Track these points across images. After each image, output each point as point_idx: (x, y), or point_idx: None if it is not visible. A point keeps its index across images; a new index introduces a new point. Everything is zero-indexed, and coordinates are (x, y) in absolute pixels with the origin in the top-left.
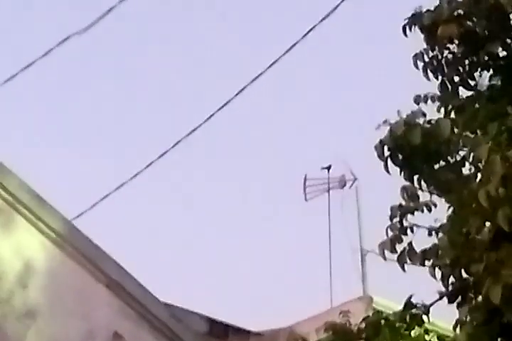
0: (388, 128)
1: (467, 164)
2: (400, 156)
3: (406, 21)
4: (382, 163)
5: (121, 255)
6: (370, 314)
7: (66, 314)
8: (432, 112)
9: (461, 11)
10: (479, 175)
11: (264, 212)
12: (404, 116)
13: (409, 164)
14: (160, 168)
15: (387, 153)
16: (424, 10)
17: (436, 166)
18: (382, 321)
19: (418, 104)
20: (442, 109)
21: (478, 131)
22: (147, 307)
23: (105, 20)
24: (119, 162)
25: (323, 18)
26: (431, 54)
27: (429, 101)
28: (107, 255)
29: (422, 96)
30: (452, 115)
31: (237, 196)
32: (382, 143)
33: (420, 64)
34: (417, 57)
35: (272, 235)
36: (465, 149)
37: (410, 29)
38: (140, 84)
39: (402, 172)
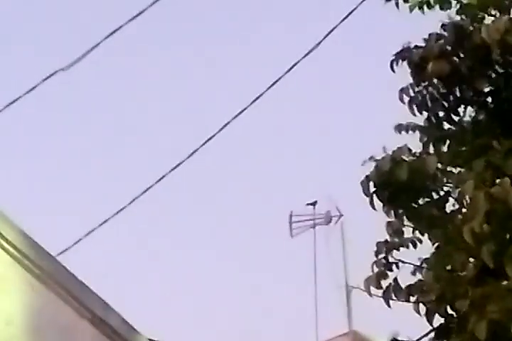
0: (374, 164)
1: (452, 200)
2: (386, 192)
3: (394, 56)
4: (367, 199)
5: (105, 291)
6: None
7: None
8: (416, 143)
9: (449, 48)
10: (464, 211)
11: (250, 248)
12: (390, 153)
13: (394, 200)
14: (144, 204)
15: (372, 189)
16: (412, 46)
17: (421, 202)
18: None
19: (400, 132)
20: (425, 141)
21: (462, 167)
22: None
23: (91, 56)
24: (103, 198)
25: (308, 53)
26: (416, 89)
27: (410, 131)
28: (91, 291)
29: (404, 124)
30: (437, 149)
31: (222, 232)
32: (368, 179)
33: (406, 98)
34: (403, 91)
35: (258, 271)
36: (450, 185)
37: (397, 64)
38: (126, 121)
39: (387, 208)
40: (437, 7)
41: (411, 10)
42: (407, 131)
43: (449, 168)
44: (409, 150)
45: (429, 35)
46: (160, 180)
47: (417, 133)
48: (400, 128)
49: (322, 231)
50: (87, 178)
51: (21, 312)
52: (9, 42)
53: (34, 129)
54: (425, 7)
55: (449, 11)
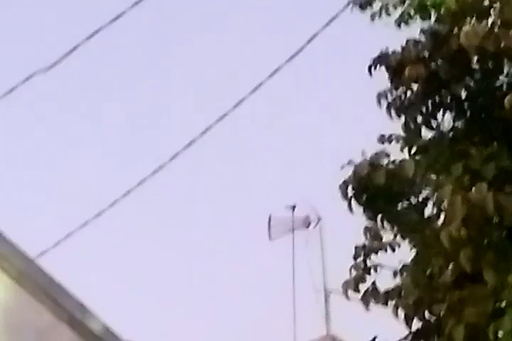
0: (353, 168)
1: (430, 205)
2: (364, 196)
3: (372, 61)
4: (346, 203)
5: (84, 293)
6: None
7: None
8: (396, 152)
9: (426, 53)
10: (442, 216)
11: (228, 251)
12: (369, 157)
13: (372, 204)
14: (124, 206)
15: (351, 193)
16: (390, 51)
17: (400, 206)
18: None
19: (383, 143)
20: (406, 149)
21: (440, 172)
22: None
23: (70, 58)
24: (83, 199)
25: (290, 58)
26: (394, 93)
27: (393, 142)
28: (69, 293)
29: (387, 136)
30: (415, 155)
31: (199, 235)
32: (346, 183)
33: (384, 103)
34: (381, 96)
35: (236, 274)
36: (428, 190)
37: (375, 69)
38: (105, 123)
39: (366, 212)
40: (418, 17)
41: (398, 24)
42: (389, 142)
43: (427, 174)
44: (388, 155)
45: (407, 40)
46: (140, 183)
47: (398, 143)
48: (382, 139)
49: (301, 234)
50: (67, 180)
51: None
52: None
53: (12, 131)
54: (407, 18)
55: (429, 21)
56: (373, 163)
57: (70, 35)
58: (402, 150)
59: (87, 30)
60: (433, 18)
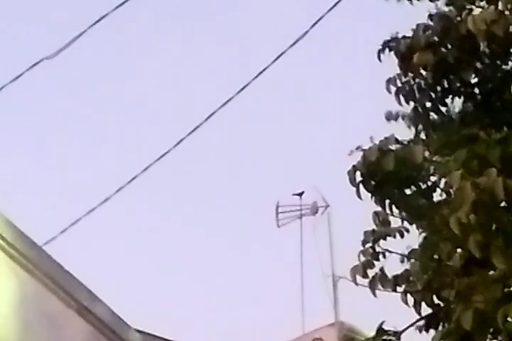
0: (361, 154)
1: (438, 190)
2: (372, 182)
3: (381, 46)
4: (353, 190)
5: (92, 281)
6: (342, 340)
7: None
8: (404, 132)
9: (436, 38)
10: (450, 202)
11: (236, 239)
12: (378, 142)
13: (381, 190)
14: (130, 194)
15: (359, 178)
16: (400, 36)
17: (408, 192)
18: None
19: (389, 120)
20: (413, 130)
21: (449, 156)
22: (118, 333)
23: (76, 44)
24: (89, 187)
25: (295, 42)
26: (404, 79)
27: (400, 119)
28: (78, 281)
29: (394, 113)
30: (425, 138)
31: (208, 222)
32: (354, 168)
33: (393, 89)
34: (390, 81)
35: (244, 261)
36: (436, 175)
37: (383, 54)
38: (112, 110)
39: (374, 198)
40: None
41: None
42: (396, 119)
43: (435, 158)
44: (397, 140)
45: (417, 25)
46: (146, 169)
47: (405, 122)
48: (389, 116)
49: (309, 221)
50: (73, 167)
51: (8, 302)
52: None
53: (18, 118)
54: None
55: (438, 2)
56: (382, 148)
57: (77, 21)
58: (409, 127)
59: (94, 16)
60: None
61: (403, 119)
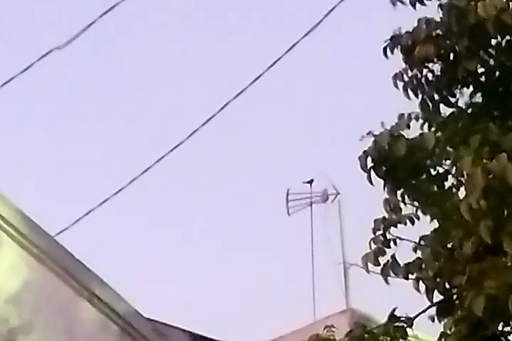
0: (373, 139)
1: (450, 177)
2: (383, 168)
3: (386, 43)
4: (364, 177)
5: (103, 270)
6: (354, 327)
7: (48, 329)
8: (416, 129)
9: (439, 31)
10: (462, 188)
11: (247, 227)
12: (389, 128)
13: (392, 176)
14: (143, 184)
15: (370, 164)
16: (403, 31)
17: (419, 178)
18: (366, 335)
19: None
20: (426, 126)
21: (460, 145)
22: (130, 322)
23: (86, 34)
24: (102, 178)
25: (306, 34)
26: (410, 73)
27: (413, 120)
28: (90, 270)
29: (406, 115)
30: (436, 132)
31: (219, 211)
32: (366, 153)
33: (400, 84)
34: (397, 77)
35: (255, 249)
36: (448, 162)
37: (391, 50)
38: (121, 99)
39: (385, 185)
40: None
41: (413, 5)
42: (409, 121)
43: (446, 146)
44: (408, 125)
45: (418, 20)
46: (159, 160)
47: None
48: (401, 118)
49: (319, 209)
50: (86, 158)
51: (20, 291)
52: (3, 20)
53: (30, 108)
54: None
55: None
56: (394, 134)
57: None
58: (421, 127)
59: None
60: None
61: (417, 120)
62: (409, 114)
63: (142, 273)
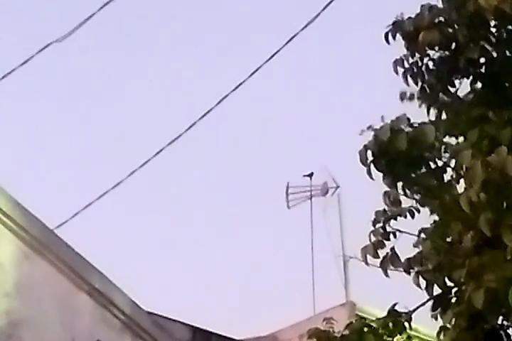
0: (373, 133)
1: (449, 170)
2: (383, 162)
3: (388, 28)
4: (363, 171)
5: (103, 263)
6: (353, 320)
7: (48, 323)
8: (416, 112)
9: (441, 18)
10: (461, 181)
11: (247, 220)
12: (389, 122)
13: (392, 170)
14: (142, 177)
15: (370, 158)
16: (405, 17)
17: (419, 172)
18: (366, 328)
19: (402, 100)
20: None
21: (459, 137)
22: (130, 315)
23: (85, 27)
24: (101, 171)
25: (306, 26)
26: (411, 60)
27: (413, 100)
28: (89, 263)
29: (408, 93)
30: (435, 117)
31: (219, 204)
32: (366, 148)
33: (400, 70)
34: (397, 63)
35: (255, 242)
36: (447, 155)
37: (393, 36)
38: (121, 92)
39: (385, 178)
40: None
41: None
42: (410, 99)
43: (446, 139)
44: (408, 120)
45: (421, 6)
46: (158, 153)
47: (418, 102)
48: (403, 95)
49: (319, 202)
50: (86, 151)
51: (19, 284)
52: (3, 13)
53: (30, 100)
54: None
55: None
56: (394, 128)
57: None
58: (420, 106)
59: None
60: None
61: (418, 99)
62: (412, 93)
63: (142, 267)
